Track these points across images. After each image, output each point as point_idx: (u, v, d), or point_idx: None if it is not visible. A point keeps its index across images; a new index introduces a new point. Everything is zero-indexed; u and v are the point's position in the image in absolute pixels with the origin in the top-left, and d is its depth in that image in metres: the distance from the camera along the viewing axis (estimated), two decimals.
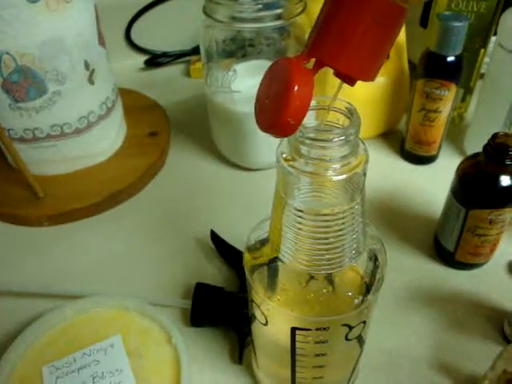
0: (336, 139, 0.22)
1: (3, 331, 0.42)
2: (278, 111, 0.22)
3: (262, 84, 0.24)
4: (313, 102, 0.24)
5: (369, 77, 0.23)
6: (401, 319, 0.42)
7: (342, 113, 0.24)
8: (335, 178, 0.23)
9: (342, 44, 0.22)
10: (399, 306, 0.43)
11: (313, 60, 0.23)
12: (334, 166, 0.23)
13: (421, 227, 0.50)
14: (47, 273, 0.47)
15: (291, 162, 0.23)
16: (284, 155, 0.24)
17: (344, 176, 0.23)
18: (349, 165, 0.23)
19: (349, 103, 0.24)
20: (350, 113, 0.24)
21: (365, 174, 0.25)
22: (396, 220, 0.51)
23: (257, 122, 0.23)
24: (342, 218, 0.25)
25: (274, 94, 0.22)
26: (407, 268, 0.46)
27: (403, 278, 0.45)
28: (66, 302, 0.41)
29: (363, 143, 0.24)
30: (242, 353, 0.39)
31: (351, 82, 0.23)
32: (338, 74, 0.23)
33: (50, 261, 0.48)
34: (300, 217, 0.25)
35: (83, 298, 0.42)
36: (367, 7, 0.22)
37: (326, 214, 0.25)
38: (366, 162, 0.24)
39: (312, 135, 0.22)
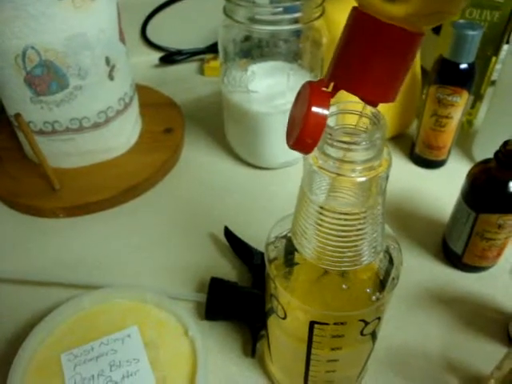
0: (363, 143, 0.23)
1: (22, 319, 0.43)
2: (298, 129, 0.23)
3: (292, 105, 0.26)
4: (340, 106, 0.25)
5: (387, 99, 0.24)
6: (409, 318, 0.43)
7: (367, 117, 0.25)
8: (359, 180, 0.25)
9: (357, 71, 0.23)
10: (407, 305, 0.44)
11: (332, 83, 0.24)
12: (358, 168, 0.24)
13: (429, 230, 0.51)
14: (62, 264, 0.48)
15: (319, 162, 0.25)
16: (312, 155, 0.25)
17: (367, 178, 0.24)
18: (373, 167, 0.24)
19: (375, 109, 0.25)
20: (376, 118, 0.25)
21: (387, 177, 0.26)
22: (405, 222, 0.52)
23: (286, 139, 0.25)
24: (364, 217, 0.26)
25: (298, 113, 0.24)
26: (416, 269, 0.47)
27: (412, 278, 0.46)
28: (84, 293, 0.42)
29: (387, 147, 0.25)
30: (255, 346, 0.40)
31: (373, 104, 0.25)
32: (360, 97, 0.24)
33: (65, 252, 0.49)
34: (322, 214, 0.26)
35: (101, 289, 0.43)
36: (380, 37, 0.23)
37: (347, 213, 0.26)
38: (390, 165, 0.25)
39: (340, 138, 0.24)
